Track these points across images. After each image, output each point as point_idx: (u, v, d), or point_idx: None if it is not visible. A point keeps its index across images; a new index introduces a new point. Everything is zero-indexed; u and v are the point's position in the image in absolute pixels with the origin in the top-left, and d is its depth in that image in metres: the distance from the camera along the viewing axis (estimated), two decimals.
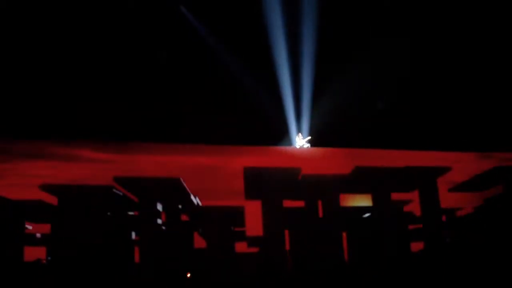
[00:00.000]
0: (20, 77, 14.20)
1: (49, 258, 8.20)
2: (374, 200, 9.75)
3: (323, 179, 9.24)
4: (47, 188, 7.25)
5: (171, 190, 7.95)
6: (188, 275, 8.71)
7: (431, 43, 16.53)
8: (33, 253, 8.10)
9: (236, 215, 8.44)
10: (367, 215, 10.18)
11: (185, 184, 7.85)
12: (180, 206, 8.54)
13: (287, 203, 9.64)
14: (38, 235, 8.03)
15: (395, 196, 10.04)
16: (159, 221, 8.36)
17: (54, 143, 13.10)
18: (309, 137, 15.77)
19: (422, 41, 16.44)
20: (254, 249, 10.07)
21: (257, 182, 9.00)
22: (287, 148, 15.76)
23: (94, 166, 12.96)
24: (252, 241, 9.86)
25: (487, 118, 15.77)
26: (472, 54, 16.15)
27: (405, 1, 16.37)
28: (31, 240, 8.05)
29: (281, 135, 16.43)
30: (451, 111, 15.99)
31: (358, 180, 9.63)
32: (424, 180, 9.94)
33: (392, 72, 15.92)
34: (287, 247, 9.78)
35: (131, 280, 7.98)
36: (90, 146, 13.18)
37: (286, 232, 9.76)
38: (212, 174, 13.45)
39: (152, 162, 13.33)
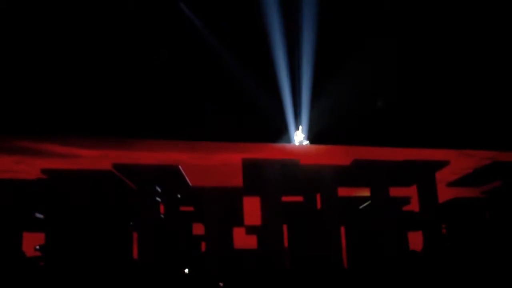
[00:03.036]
0: None
1: (46, 245, 8.14)
2: (372, 193, 9.76)
3: (322, 169, 9.21)
4: (46, 173, 7.22)
5: (170, 177, 7.93)
6: (186, 270, 8.68)
7: (425, 43, 16.64)
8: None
9: (235, 197, 8.40)
10: (365, 208, 10.14)
11: (183, 172, 7.84)
12: (179, 196, 8.52)
13: (286, 198, 9.67)
14: (39, 215, 7.93)
15: (394, 192, 10.07)
16: (158, 209, 8.36)
17: (21, 137, 12.92)
18: (301, 130, 15.78)
19: (418, 41, 16.53)
20: (252, 238, 10.04)
21: (256, 174, 8.98)
22: (286, 145, 15.77)
23: (65, 161, 12.77)
24: (250, 229, 9.85)
25: (467, 116, 15.90)
26: (458, 54, 16.30)
27: (405, 1, 16.48)
28: (31, 223, 7.96)
29: (280, 132, 16.43)
30: (431, 109, 16.08)
31: (356, 173, 9.65)
32: (423, 174, 9.97)
33: (390, 71, 16.00)
34: (286, 242, 9.79)
35: (130, 269, 7.95)
36: (60, 141, 12.98)
37: (285, 226, 9.79)
38: (209, 171, 13.41)
39: (143, 158, 13.19)
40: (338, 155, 13.05)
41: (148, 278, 7.76)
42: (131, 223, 8.51)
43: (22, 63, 14.41)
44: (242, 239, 10.26)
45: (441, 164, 10.05)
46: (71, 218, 7.60)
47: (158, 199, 8.31)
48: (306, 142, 15.61)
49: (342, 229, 10.02)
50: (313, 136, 15.86)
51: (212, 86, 16.34)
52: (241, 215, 9.19)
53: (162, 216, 8.50)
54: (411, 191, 11.15)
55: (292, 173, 9.17)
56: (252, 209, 9.76)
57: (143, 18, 16.13)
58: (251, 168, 8.97)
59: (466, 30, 16.11)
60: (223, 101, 16.12)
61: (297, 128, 16.13)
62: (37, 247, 8.55)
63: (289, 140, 16.22)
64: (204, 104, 16.09)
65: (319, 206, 9.96)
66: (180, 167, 7.73)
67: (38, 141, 12.83)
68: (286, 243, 9.75)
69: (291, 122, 16.50)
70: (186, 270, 8.62)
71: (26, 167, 12.14)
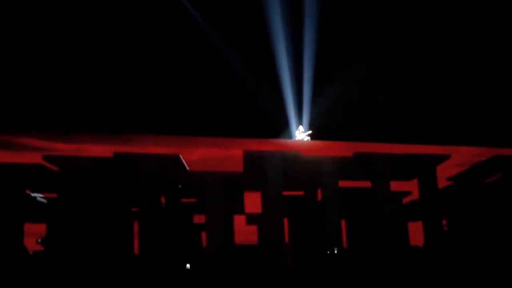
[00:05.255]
0: None
1: (47, 236, 8.16)
2: (373, 186, 9.75)
3: (323, 161, 9.17)
4: (49, 159, 7.23)
5: (170, 165, 7.93)
6: (188, 266, 8.67)
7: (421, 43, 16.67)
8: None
9: (235, 183, 8.38)
10: (366, 201, 10.10)
11: (184, 161, 7.84)
12: (180, 186, 8.52)
13: (287, 193, 9.64)
14: (41, 199, 7.92)
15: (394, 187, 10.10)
16: (159, 199, 8.35)
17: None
18: (310, 131, 15.75)
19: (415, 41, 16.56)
20: (253, 233, 10.02)
21: (257, 165, 8.93)
22: (287, 140, 15.71)
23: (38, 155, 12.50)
24: (251, 218, 9.81)
25: (456, 114, 15.96)
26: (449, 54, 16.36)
27: (405, 1, 16.50)
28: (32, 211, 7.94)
29: (281, 129, 16.38)
30: (423, 106, 16.11)
31: (357, 165, 9.65)
32: (424, 167, 9.98)
33: (389, 69, 16.00)
34: (287, 236, 9.78)
35: (131, 257, 7.96)
36: (34, 135, 12.76)
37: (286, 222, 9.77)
38: (212, 165, 13.34)
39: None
40: (339, 151, 13.04)
41: (150, 270, 7.76)
42: (133, 213, 8.52)
43: (22, 62, 14.34)
44: (243, 235, 10.25)
45: (442, 158, 10.08)
46: (72, 208, 7.62)
47: (159, 189, 8.28)
48: (307, 138, 15.57)
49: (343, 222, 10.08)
50: (315, 132, 15.80)
51: (214, 84, 16.29)
52: (242, 201, 9.16)
53: (163, 206, 8.50)
54: (412, 188, 11.24)
55: (293, 164, 9.14)
56: (253, 200, 9.75)
57: (143, 17, 16.10)
58: (252, 160, 8.93)
59: (460, 33, 16.21)
60: (224, 98, 16.08)
61: (298, 125, 16.08)
62: (39, 240, 8.58)
63: (290, 136, 16.19)
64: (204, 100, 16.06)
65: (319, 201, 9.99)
66: (180, 156, 7.72)
67: (12, 135, 12.67)
68: (286, 239, 9.76)
69: (292, 118, 16.48)
70: (188, 266, 8.61)
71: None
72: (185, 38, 16.81)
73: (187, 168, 8.29)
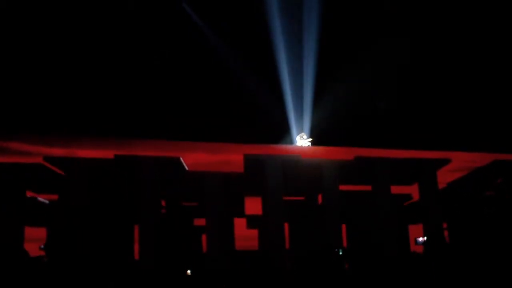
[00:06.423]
0: None
1: (47, 240, 8.16)
2: (374, 190, 9.75)
3: (324, 164, 9.17)
4: (51, 160, 7.25)
5: (172, 167, 7.95)
6: (188, 272, 8.67)
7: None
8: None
9: (236, 183, 8.38)
10: (366, 206, 10.11)
11: (184, 163, 7.85)
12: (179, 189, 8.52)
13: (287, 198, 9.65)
14: (41, 199, 7.93)
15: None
16: (159, 203, 8.35)
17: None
18: (310, 139, 15.79)
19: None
20: (253, 237, 10.02)
21: (258, 169, 8.94)
22: (288, 146, 15.76)
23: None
24: (252, 221, 9.81)
25: (452, 120, 16.03)
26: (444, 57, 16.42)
27: (406, 2, 16.58)
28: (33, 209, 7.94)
29: (282, 134, 16.45)
30: (416, 111, 16.17)
31: (358, 169, 9.65)
32: (424, 172, 9.99)
33: (391, 72, 16.05)
34: (287, 239, 9.78)
35: (132, 261, 7.97)
36: (29, 139, 12.69)
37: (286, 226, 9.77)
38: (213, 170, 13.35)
39: None
40: (340, 156, 13.06)
41: (150, 274, 7.77)
42: (133, 217, 8.52)
43: (21, 63, 14.37)
44: (243, 241, 10.25)
45: (443, 162, 10.09)
46: (73, 210, 7.63)
47: (160, 192, 8.29)
48: (308, 145, 15.59)
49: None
50: (315, 139, 15.84)
51: (212, 86, 16.35)
52: (242, 201, 9.17)
53: (163, 210, 8.51)
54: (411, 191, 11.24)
55: (294, 168, 9.15)
56: (253, 205, 9.76)
57: (143, 18, 16.17)
58: (253, 164, 8.94)
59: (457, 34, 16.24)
60: (224, 102, 16.16)
61: (299, 131, 16.12)
62: (42, 246, 8.58)
63: (291, 142, 16.25)
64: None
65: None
66: (181, 158, 7.74)
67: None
68: (287, 244, 9.76)
69: (293, 124, 16.55)
70: (189, 272, 8.61)
71: None
72: (185, 38, 16.88)
73: (187, 169, 8.30)
